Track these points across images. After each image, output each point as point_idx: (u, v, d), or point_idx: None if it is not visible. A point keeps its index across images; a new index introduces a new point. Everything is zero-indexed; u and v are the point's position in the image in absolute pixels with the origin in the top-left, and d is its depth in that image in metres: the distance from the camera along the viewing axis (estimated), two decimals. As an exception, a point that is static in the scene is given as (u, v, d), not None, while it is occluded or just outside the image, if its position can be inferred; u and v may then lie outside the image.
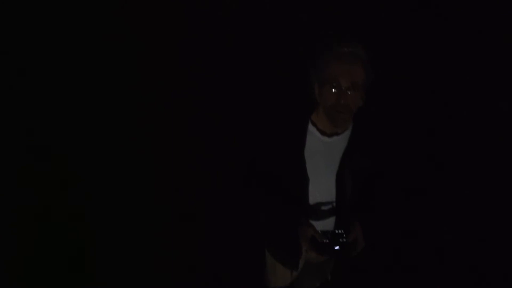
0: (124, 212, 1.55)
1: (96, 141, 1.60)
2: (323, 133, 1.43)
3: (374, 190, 1.43)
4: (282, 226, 1.43)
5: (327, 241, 1.32)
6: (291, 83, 1.57)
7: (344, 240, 1.32)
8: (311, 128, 1.44)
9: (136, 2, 1.66)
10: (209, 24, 1.73)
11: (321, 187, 1.43)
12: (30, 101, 1.59)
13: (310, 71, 1.41)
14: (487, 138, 1.72)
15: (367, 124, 1.49)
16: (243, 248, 1.30)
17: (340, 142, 1.44)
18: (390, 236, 1.48)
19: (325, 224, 1.43)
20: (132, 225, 1.53)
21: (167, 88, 1.65)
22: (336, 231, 1.33)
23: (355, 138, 1.44)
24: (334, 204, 1.42)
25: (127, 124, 1.62)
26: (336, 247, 1.31)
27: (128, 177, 1.57)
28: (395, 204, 1.46)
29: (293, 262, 1.47)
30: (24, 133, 1.59)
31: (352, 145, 1.44)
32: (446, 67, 1.78)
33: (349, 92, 1.36)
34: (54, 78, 1.62)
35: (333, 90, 1.36)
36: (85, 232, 1.53)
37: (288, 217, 1.41)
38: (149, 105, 1.63)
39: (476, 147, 1.73)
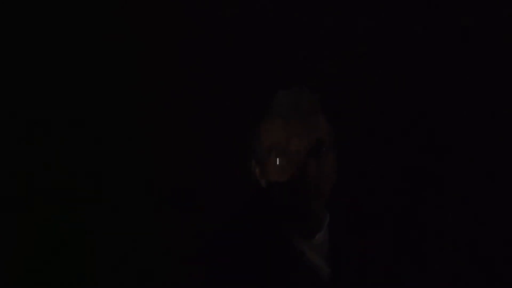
0: (124, 212, 1.55)
1: (97, 141, 1.60)
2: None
3: None
4: None
5: None
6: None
7: None
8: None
9: (136, 2, 1.66)
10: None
11: None
12: (30, 100, 1.59)
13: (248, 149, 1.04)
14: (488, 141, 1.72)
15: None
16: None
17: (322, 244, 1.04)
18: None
19: None
20: (133, 225, 1.53)
21: (167, 88, 1.65)
22: None
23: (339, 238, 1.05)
24: None
25: (127, 124, 1.62)
26: None
27: (129, 177, 1.57)
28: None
29: None
30: (23, 132, 1.59)
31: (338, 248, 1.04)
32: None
33: (308, 160, 0.95)
34: (53, 77, 1.62)
35: (280, 160, 0.96)
36: (85, 232, 1.53)
37: None
38: (149, 105, 1.63)
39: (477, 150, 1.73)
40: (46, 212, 1.52)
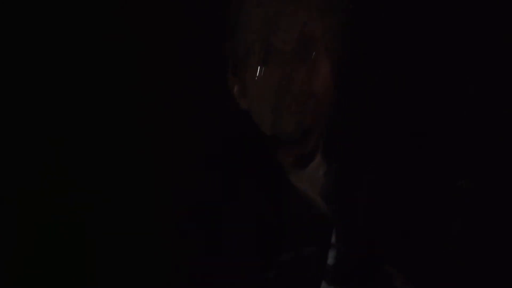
0: (124, 212, 1.54)
1: (97, 140, 1.59)
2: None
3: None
4: None
5: None
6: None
7: None
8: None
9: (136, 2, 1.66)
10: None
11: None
12: (29, 101, 1.59)
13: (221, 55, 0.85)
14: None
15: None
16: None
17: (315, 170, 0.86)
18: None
19: None
20: (133, 225, 1.53)
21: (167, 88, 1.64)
22: None
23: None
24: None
25: (127, 124, 1.61)
26: None
27: (129, 177, 1.56)
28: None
29: None
30: (23, 132, 1.58)
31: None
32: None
33: (303, 65, 0.73)
34: (53, 77, 1.61)
35: (267, 60, 0.73)
36: (86, 232, 1.53)
37: None
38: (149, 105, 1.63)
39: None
40: (46, 212, 1.52)
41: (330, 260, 0.93)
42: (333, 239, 0.92)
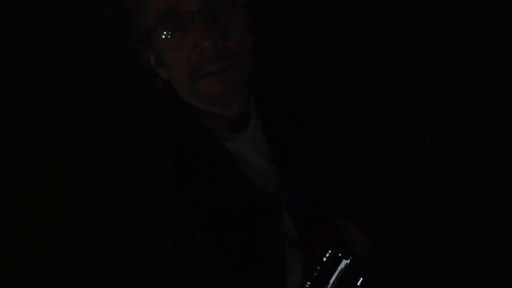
0: (124, 213, 1.54)
1: (97, 140, 1.59)
2: (209, 133, 0.81)
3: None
4: None
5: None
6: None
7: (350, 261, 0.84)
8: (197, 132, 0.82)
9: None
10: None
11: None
12: (30, 101, 1.58)
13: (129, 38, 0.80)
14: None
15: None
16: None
17: (253, 133, 0.85)
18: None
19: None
20: (133, 226, 1.52)
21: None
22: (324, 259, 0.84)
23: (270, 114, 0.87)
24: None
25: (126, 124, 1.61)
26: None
27: (129, 178, 1.56)
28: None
29: None
30: (23, 132, 1.58)
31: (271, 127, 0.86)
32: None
33: (213, 25, 0.72)
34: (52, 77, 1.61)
35: (178, 34, 0.73)
36: (84, 234, 1.53)
37: None
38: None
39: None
40: (46, 215, 1.52)
41: (286, 225, 0.90)
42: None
